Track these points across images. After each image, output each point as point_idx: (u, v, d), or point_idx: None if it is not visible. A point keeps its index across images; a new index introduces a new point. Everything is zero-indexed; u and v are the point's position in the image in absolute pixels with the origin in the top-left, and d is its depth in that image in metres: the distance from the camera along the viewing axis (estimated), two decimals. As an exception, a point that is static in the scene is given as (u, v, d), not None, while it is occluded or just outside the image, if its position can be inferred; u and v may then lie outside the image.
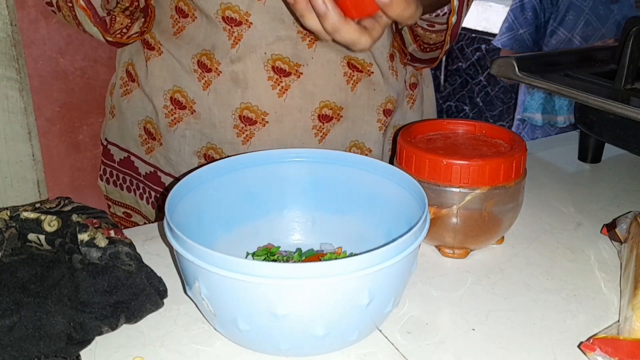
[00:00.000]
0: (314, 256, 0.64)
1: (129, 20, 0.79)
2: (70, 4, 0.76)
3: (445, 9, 0.81)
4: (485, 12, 2.35)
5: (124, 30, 0.80)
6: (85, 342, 0.51)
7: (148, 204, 0.90)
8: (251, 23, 0.74)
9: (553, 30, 1.76)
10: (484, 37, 2.47)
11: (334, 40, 0.60)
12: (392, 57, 0.86)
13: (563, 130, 1.88)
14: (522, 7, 1.80)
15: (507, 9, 2.15)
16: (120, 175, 0.92)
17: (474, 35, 2.58)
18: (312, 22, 0.59)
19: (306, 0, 0.58)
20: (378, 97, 0.83)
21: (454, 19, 0.78)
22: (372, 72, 0.81)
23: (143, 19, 0.81)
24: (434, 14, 0.82)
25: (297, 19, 0.68)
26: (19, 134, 0.94)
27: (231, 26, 0.75)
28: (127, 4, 0.78)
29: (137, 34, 0.81)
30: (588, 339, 0.52)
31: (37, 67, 0.97)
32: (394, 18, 0.58)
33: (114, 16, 0.78)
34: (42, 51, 0.97)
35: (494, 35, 2.29)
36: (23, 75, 0.93)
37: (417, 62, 0.89)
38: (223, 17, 0.75)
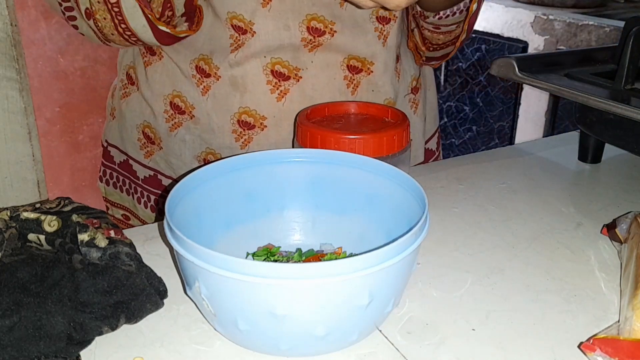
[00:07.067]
0: (314, 256, 0.64)
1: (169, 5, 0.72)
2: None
3: (449, 11, 0.81)
4: (485, 12, 2.34)
5: (168, 13, 0.72)
6: (85, 342, 0.51)
7: (147, 208, 0.90)
8: (255, 32, 0.74)
9: None
10: (484, 37, 2.46)
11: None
12: (398, 58, 0.86)
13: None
14: None
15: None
16: (120, 178, 0.92)
17: (474, 35, 2.58)
18: None
19: None
20: (377, 99, 0.82)
21: (474, 6, 0.78)
22: (372, 71, 0.81)
23: (186, 23, 0.76)
24: (437, 17, 0.82)
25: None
26: (19, 134, 0.95)
27: (238, 34, 0.75)
28: None
29: (186, 29, 0.75)
30: (588, 339, 0.52)
31: (37, 67, 0.97)
32: None
33: None
34: (42, 51, 0.97)
35: (494, 35, 2.28)
36: (23, 75, 0.93)
37: (432, 61, 0.90)
38: (232, 25, 0.74)
